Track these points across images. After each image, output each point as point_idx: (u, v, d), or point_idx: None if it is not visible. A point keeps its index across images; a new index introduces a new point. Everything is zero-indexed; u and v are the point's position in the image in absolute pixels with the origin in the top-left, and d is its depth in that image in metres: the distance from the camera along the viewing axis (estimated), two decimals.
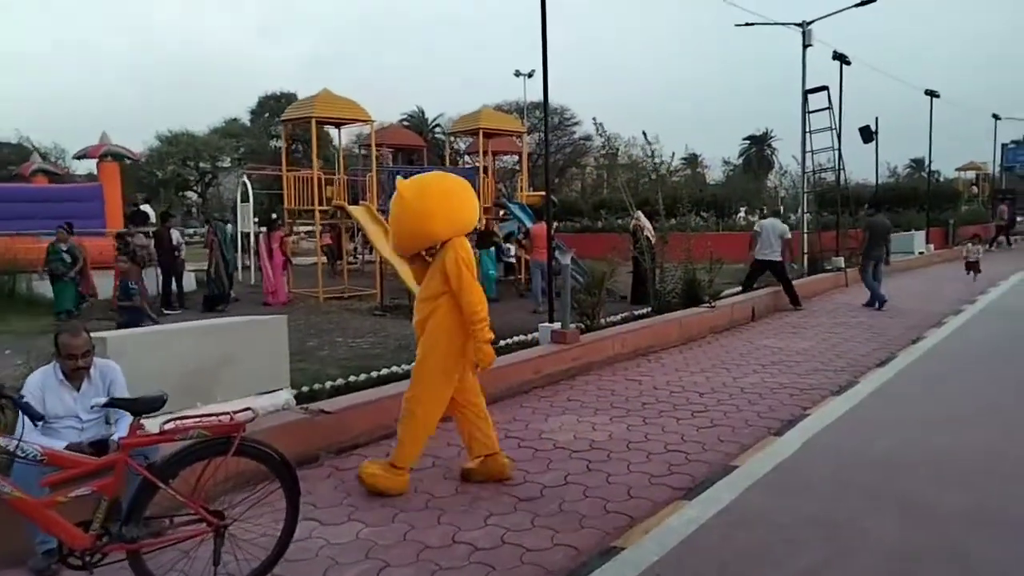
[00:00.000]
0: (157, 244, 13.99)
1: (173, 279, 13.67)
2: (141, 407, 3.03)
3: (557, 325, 7.73)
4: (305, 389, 5.99)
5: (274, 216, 16.91)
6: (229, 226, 18.55)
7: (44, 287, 12.33)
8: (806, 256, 16.58)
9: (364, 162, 20.46)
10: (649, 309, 10.56)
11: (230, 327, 5.54)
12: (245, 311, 11.90)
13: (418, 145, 24.44)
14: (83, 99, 78.62)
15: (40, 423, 3.06)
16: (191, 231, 36.88)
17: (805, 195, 17.29)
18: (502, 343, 8.26)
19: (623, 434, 5.51)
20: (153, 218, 18.43)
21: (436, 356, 4.35)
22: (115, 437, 3.36)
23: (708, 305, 10.37)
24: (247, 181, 20.01)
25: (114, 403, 3.26)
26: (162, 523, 3.09)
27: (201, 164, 50.49)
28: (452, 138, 22.53)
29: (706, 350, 8.90)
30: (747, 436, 5.38)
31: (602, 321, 9.21)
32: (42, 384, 3.50)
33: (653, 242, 11.49)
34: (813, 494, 4.19)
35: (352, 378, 6.45)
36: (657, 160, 13.56)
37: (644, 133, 12.82)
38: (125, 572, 3.01)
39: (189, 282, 15.08)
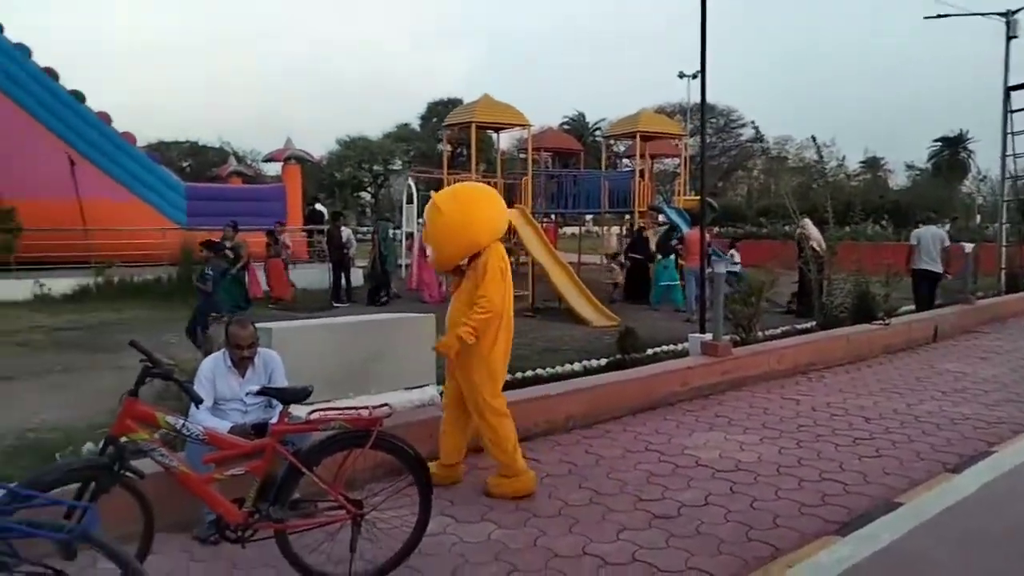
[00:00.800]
0: (328, 241, 15.12)
1: (342, 274, 14.67)
2: (288, 397, 3.26)
3: (708, 336, 7.41)
4: None
5: None
6: (399, 230, 19.59)
7: None
8: (1003, 272, 14.80)
9: (522, 165, 20.79)
10: (813, 323, 9.90)
11: (383, 324, 5.80)
12: (403, 307, 12.50)
13: (575, 149, 24.46)
14: (278, 106, 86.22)
15: (202, 405, 3.36)
16: (364, 229, 39.29)
17: (1005, 203, 15.46)
18: (649, 352, 8.08)
19: (774, 457, 5.17)
20: (327, 217, 19.85)
21: (480, 361, 4.39)
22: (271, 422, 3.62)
23: (882, 322, 9.53)
24: (412, 183, 20.98)
25: (265, 392, 3.53)
26: (307, 507, 3.28)
27: (375, 167, 53.97)
28: (611, 141, 22.35)
29: (876, 371, 8.18)
30: (917, 471, 4.86)
31: (759, 334, 8.72)
32: (213, 369, 3.85)
33: (821, 252, 10.75)
34: (989, 545, 3.69)
35: None
36: (829, 164, 12.68)
37: (814, 138, 12.07)
38: (273, 549, 3.21)
39: (357, 277, 16.08)
